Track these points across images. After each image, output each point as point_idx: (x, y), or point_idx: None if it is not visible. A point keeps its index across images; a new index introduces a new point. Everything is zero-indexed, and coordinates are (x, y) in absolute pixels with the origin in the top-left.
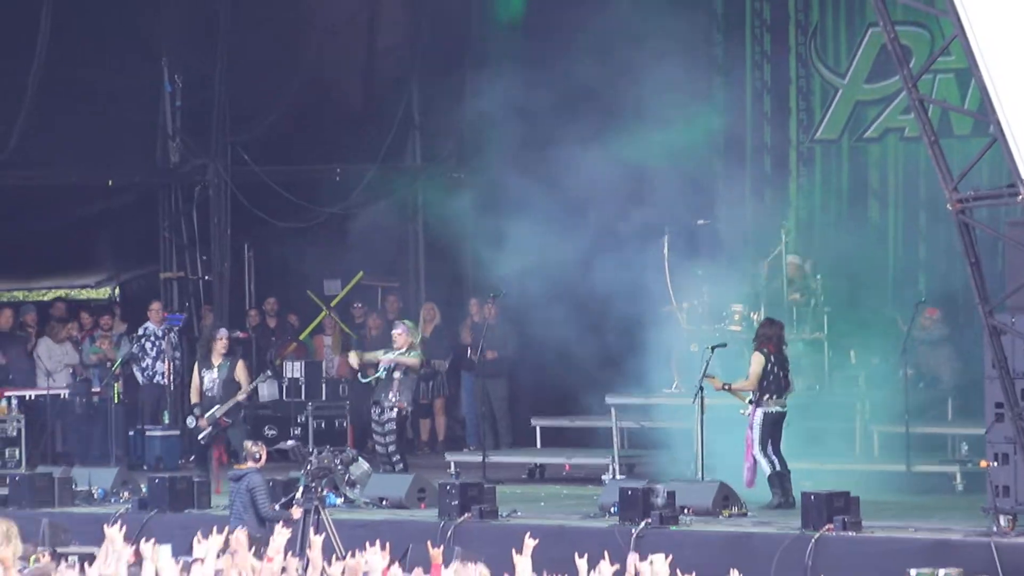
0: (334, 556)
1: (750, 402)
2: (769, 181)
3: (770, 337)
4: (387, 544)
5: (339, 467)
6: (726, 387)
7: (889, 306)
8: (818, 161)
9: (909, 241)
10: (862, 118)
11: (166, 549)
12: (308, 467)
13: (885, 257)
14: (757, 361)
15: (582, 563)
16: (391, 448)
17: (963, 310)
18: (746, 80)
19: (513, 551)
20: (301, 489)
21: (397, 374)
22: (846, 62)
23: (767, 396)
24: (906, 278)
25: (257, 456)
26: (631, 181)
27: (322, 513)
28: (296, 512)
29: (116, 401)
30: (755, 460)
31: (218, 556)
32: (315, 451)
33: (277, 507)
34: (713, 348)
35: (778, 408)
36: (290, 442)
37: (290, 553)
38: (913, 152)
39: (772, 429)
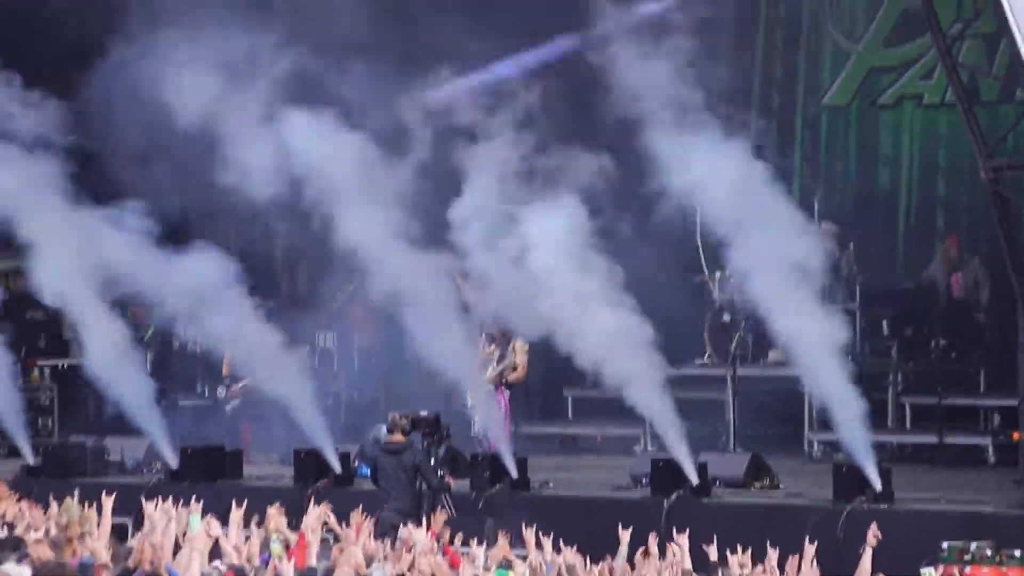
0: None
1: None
2: (774, 146)
3: None
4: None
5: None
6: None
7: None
8: (824, 127)
9: (924, 209)
10: (875, 84)
11: (195, 518)
12: (443, 442)
13: (895, 226)
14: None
15: (625, 535)
16: None
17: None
18: (758, 43)
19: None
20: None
21: None
22: (862, 27)
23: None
24: (921, 246)
25: (407, 428)
26: None
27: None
28: (452, 483)
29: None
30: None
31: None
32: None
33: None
34: (746, 318)
35: None
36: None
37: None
38: (931, 119)
39: None
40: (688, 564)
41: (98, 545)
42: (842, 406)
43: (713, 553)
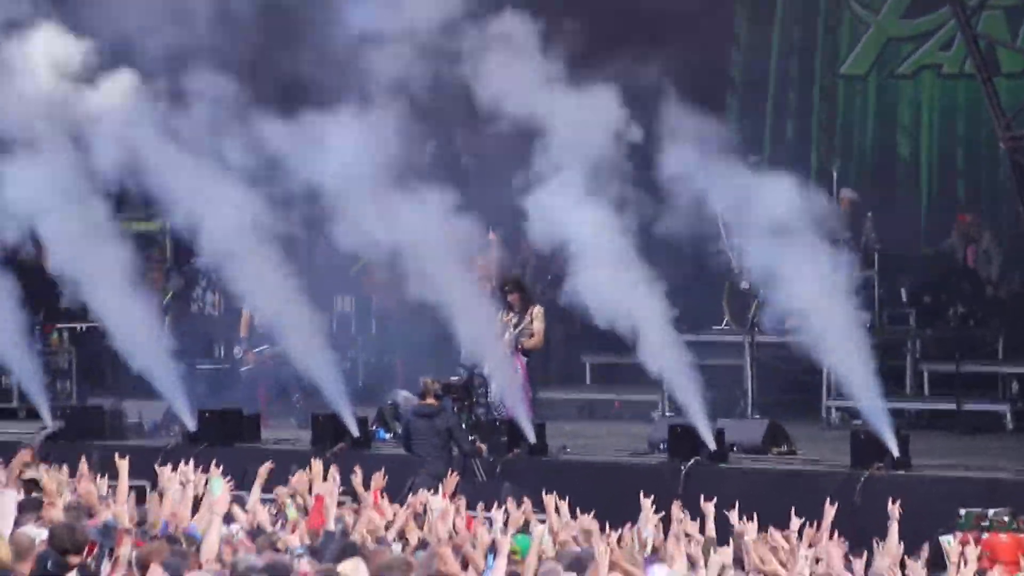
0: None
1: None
2: (793, 116)
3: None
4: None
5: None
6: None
7: (919, 242)
8: (841, 97)
9: (944, 179)
10: (893, 54)
11: (217, 481)
12: (472, 408)
13: (918, 195)
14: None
15: (647, 503)
16: None
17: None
18: (775, 13)
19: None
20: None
21: None
22: None
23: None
24: (941, 215)
25: (439, 392)
26: None
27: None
28: (483, 448)
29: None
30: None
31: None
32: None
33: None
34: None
35: None
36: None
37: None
38: (950, 89)
39: None
40: (712, 532)
41: (120, 509)
42: (859, 373)
43: (734, 518)
